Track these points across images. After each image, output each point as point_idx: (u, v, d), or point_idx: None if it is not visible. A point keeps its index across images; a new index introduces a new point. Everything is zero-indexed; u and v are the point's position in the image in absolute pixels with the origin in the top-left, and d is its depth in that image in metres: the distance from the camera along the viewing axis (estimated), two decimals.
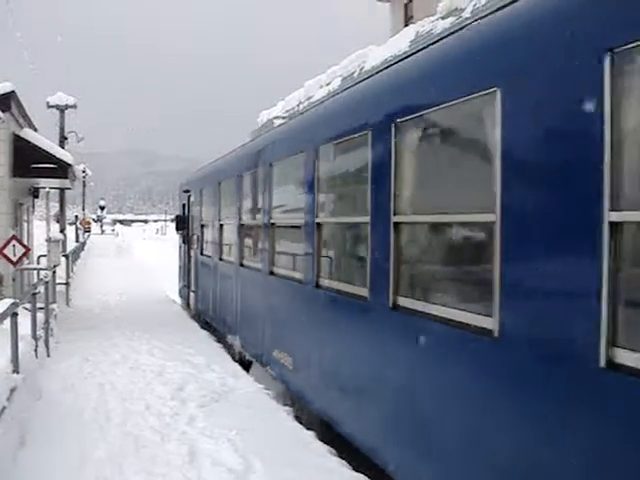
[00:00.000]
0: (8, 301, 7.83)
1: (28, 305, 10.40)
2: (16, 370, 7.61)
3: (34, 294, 10.46)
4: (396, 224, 5.60)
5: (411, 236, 5.73)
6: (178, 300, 20.51)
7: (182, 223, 18.87)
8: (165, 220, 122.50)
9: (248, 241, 11.56)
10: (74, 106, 33.85)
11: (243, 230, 11.62)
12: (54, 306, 14.19)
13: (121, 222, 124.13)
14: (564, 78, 3.61)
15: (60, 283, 17.53)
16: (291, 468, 6.39)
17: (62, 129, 33.69)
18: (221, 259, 13.47)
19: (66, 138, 33.83)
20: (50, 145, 17.36)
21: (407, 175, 5.67)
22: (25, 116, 17.32)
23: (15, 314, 7.80)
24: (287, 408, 8.35)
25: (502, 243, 4.13)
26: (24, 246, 15.10)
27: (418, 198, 5.65)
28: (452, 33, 5.34)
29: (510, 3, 4.60)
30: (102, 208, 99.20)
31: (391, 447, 5.71)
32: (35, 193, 22.06)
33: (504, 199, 4.11)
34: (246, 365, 11.21)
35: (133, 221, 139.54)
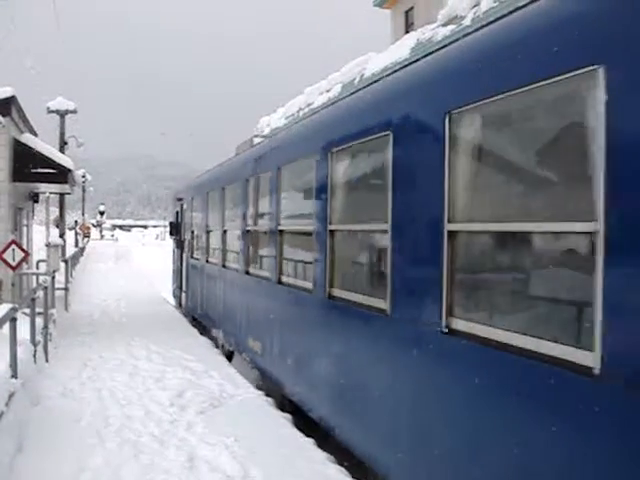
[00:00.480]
0: (7, 306, 7.81)
1: (27, 310, 10.38)
2: (14, 375, 7.59)
3: (33, 299, 10.44)
4: (331, 231, 7.01)
5: (339, 240, 7.05)
6: (172, 301, 21.41)
7: (175, 229, 20.13)
8: (165, 226, 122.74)
9: (230, 245, 12.69)
10: (74, 111, 33.93)
11: (226, 236, 12.88)
12: (53, 311, 14.16)
13: (120, 227, 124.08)
14: (424, 129, 5.12)
15: (59, 288, 17.50)
16: (290, 475, 6.38)
17: (62, 134, 33.75)
18: (207, 261, 14.82)
19: (66, 143, 33.88)
20: (50, 150, 17.36)
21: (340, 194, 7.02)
22: (25, 121, 17.32)
23: (14, 319, 7.78)
24: (286, 415, 8.33)
25: (392, 250, 5.53)
26: (23, 251, 15.09)
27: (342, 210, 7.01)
28: (358, 90, 7.00)
29: (403, 67, 5.93)
30: (102, 213, 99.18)
31: (324, 405, 7.13)
32: (35, 198, 22.03)
33: (394, 214, 5.52)
34: (228, 355, 12.42)
35: (132, 226, 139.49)
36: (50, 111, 33.40)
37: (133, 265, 41.63)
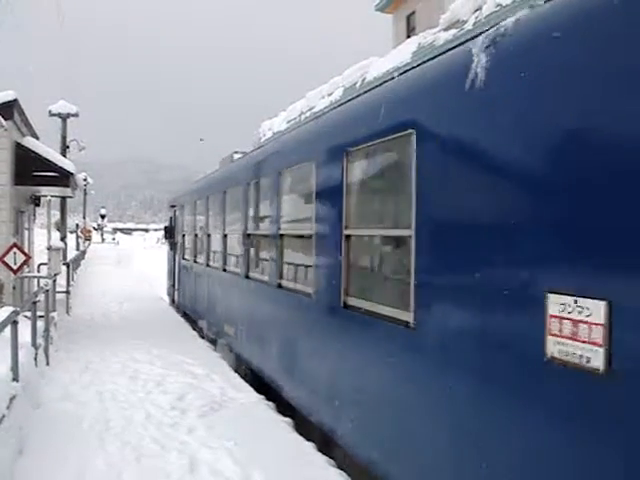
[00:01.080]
0: (9, 309, 7.82)
1: (28, 313, 10.39)
2: (16, 378, 7.60)
3: (34, 302, 10.45)
4: (281, 235, 9.07)
5: (290, 243, 8.96)
6: (167, 299, 23.15)
7: (169, 233, 22.16)
8: None
9: (213, 247, 14.54)
10: (76, 114, 33.95)
11: (210, 239, 14.81)
12: (54, 314, 14.17)
13: (122, 231, 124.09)
14: (336, 160, 6.80)
15: (60, 291, 17.52)
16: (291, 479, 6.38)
17: (64, 137, 33.78)
18: (195, 262, 16.79)
19: (68, 146, 33.92)
20: (52, 153, 17.40)
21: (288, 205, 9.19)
22: (27, 124, 17.36)
23: (15, 322, 7.79)
24: (287, 419, 8.33)
25: (315, 251, 7.50)
26: (25, 254, 15.10)
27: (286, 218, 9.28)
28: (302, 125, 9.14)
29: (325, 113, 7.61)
30: (103, 217, 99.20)
31: (283, 376, 8.81)
32: (36, 201, 22.07)
33: (317, 224, 7.44)
34: (212, 342, 14.13)
35: (134, 230, 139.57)
36: (52, 114, 33.44)
37: (134, 268, 41.66)
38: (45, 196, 23.05)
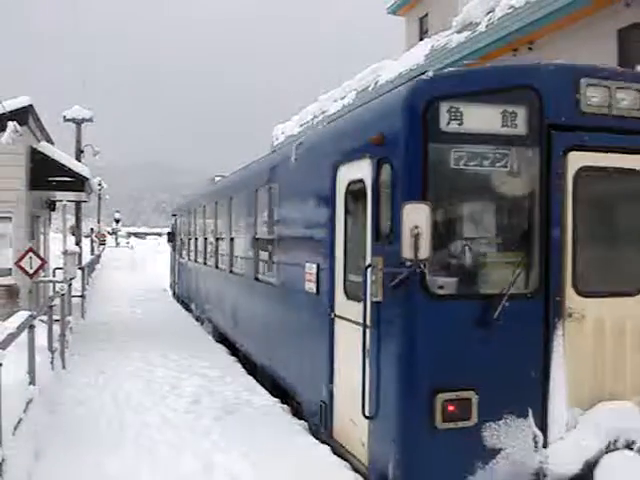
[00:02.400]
0: (25, 313, 7.87)
1: (44, 317, 10.45)
2: (32, 382, 7.64)
3: (50, 306, 10.51)
4: (232, 239, 13.49)
5: (239, 243, 12.88)
6: (169, 290, 27.69)
7: (172, 237, 26.95)
8: None
9: (199, 248, 18.35)
10: (90, 120, 34.12)
11: (197, 241, 18.84)
12: (70, 318, 14.24)
13: (136, 235, 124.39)
14: (271, 188, 10.31)
15: (75, 295, 17.59)
16: None
17: (78, 142, 33.96)
18: (188, 259, 21.09)
19: (82, 151, 34.09)
20: (67, 158, 17.50)
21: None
22: (42, 129, 17.46)
23: (32, 326, 7.84)
24: (301, 422, 8.33)
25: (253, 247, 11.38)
26: (41, 258, 15.19)
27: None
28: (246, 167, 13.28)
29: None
30: (117, 221, 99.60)
31: (231, 329, 13.48)
32: (52, 206, 22.18)
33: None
34: (199, 320, 18.09)
35: (148, 234, 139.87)
36: (66, 120, 33.64)
37: (148, 272, 41.72)
38: (60, 201, 23.21)
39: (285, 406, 9.16)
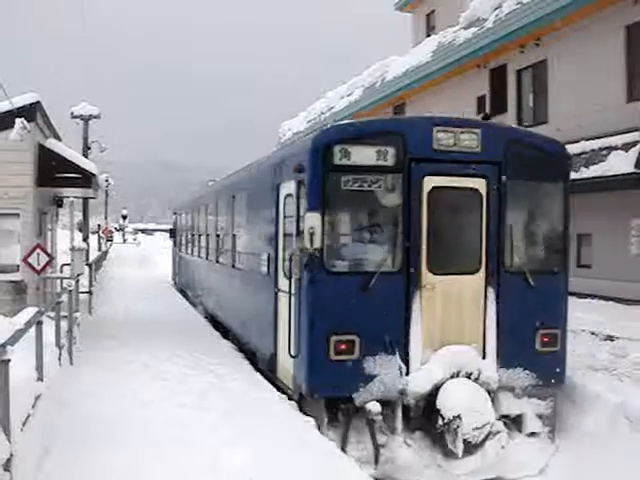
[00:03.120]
0: (33, 309, 7.89)
1: (51, 313, 10.48)
2: (40, 378, 7.66)
3: (58, 303, 10.54)
4: (217, 235, 17.09)
5: (221, 238, 16.35)
6: (171, 282, 30.82)
7: (172, 233, 31.19)
8: None
9: (196, 243, 21.62)
10: (97, 116, 34.16)
11: (195, 238, 22.06)
12: (77, 315, 14.28)
13: (143, 231, 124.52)
14: (229, 202, 14.81)
15: (83, 292, 17.64)
16: None
17: (85, 139, 33.98)
18: (185, 252, 24.92)
19: (89, 148, 34.13)
20: (74, 155, 17.51)
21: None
22: (50, 126, 17.50)
23: (40, 322, 7.86)
24: (309, 419, 8.35)
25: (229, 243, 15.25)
26: (48, 255, 15.24)
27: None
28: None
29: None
30: (124, 217, 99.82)
31: (206, 300, 18.70)
32: (59, 202, 22.22)
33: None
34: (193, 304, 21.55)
35: (155, 230, 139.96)
36: (74, 116, 33.68)
37: (154, 267, 41.84)
38: (67, 197, 23.25)
39: (293, 402, 9.20)
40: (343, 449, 8.46)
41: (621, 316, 15.05)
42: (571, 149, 19.33)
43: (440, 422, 8.56)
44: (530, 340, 9.43)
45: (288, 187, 9.89)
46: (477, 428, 8.47)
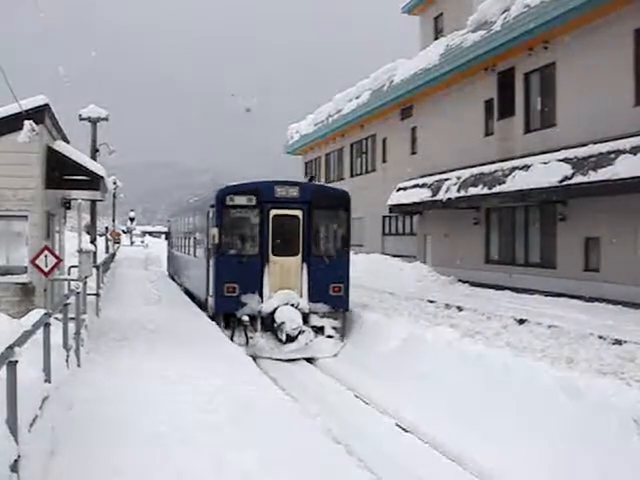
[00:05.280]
0: (41, 311, 7.91)
1: (59, 315, 10.50)
2: (48, 380, 7.69)
3: (66, 304, 10.56)
4: (186, 237, 27.67)
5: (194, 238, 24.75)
6: (165, 272, 38.82)
7: (167, 235, 41.15)
8: None
9: (178, 243, 30.18)
10: (106, 119, 34.26)
11: (178, 239, 30.62)
12: (85, 316, 14.30)
13: (150, 234, 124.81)
14: (204, 214, 20.98)
15: (90, 294, 17.67)
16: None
17: (94, 141, 34.09)
18: (174, 250, 33.50)
19: (97, 150, 34.24)
20: (82, 157, 17.53)
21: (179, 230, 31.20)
22: (58, 128, 17.54)
23: (48, 324, 7.88)
24: (315, 420, 8.34)
25: (195, 239, 24.52)
26: (56, 257, 15.26)
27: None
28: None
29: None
30: (132, 220, 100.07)
31: (185, 283, 27.31)
32: (67, 204, 22.25)
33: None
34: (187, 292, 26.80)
35: (162, 233, 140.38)
36: (82, 119, 33.79)
37: (163, 270, 41.90)
38: (75, 199, 23.29)
39: (298, 404, 9.19)
40: (231, 339, 16.82)
41: (630, 320, 14.99)
42: (579, 152, 19.42)
43: (276, 325, 17.09)
44: (327, 289, 17.91)
45: (210, 213, 19.01)
46: (294, 329, 16.84)
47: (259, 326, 17.29)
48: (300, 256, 17.87)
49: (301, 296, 17.52)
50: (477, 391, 10.86)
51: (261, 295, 17.35)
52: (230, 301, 17.29)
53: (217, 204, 17.78)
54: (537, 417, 9.37)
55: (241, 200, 17.74)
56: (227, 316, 17.51)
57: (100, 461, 6.86)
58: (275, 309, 17.06)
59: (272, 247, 17.66)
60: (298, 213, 17.90)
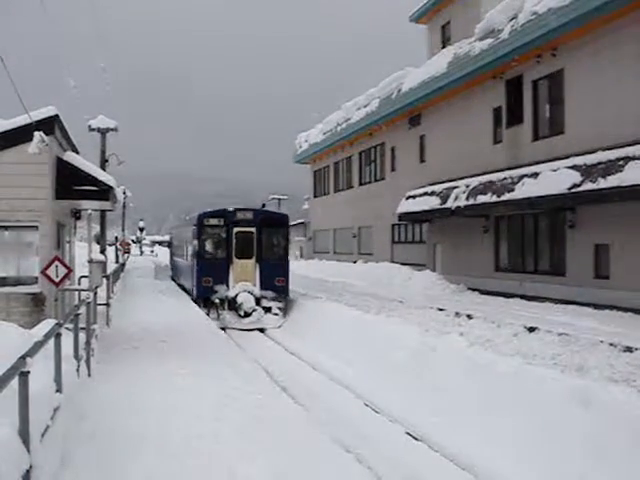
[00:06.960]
0: (52, 322, 7.94)
1: (69, 325, 10.52)
2: (59, 390, 7.71)
3: (76, 315, 10.59)
4: (182, 246, 35.65)
5: (183, 246, 34.53)
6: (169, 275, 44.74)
7: (169, 245, 52.11)
8: None
9: (177, 251, 39.87)
10: (115, 129, 34.45)
11: (177, 247, 40.40)
12: (95, 326, 14.34)
13: (160, 243, 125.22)
14: (191, 231, 29.18)
15: (101, 304, 17.71)
16: None
17: (103, 152, 34.30)
18: (177, 256, 38.95)
19: (107, 160, 34.40)
20: (92, 168, 17.60)
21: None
22: (68, 139, 17.62)
23: (59, 334, 7.91)
24: (324, 431, 8.33)
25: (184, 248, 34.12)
26: (66, 267, 15.31)
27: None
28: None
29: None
30: (141, 229, 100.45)
31: (180, 279, 36.78)
32: (77, 215, 22.35)
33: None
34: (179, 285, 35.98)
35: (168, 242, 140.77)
36: (91, 129, 33.99)
37: (169, 275, 42.06)
38: (85, 210, 23.38)
39: (308, 414, 9.18)
40: (207, 314, 23.68)
41: None
42: (588, 159, 19.38)
43: (237, 305, 24.20)
44: (273, 281, 25.11)
45: (194, 229, 26.46)
46: (249, 307, 24.17)
47: (226, 306, 24.51)
48: (254, 259, 25.65)
49: (255, 286, 25.06)
50: (482, 396, 10.80)
51: (227, 285, 25.05)
52: (207, 289, 25.15)
53: (198, 224, 26.11)
54: (544, 424, 9.33)
55: (214, 221, 25.96)
56: (205, 299, 25.23)
57: (111, 471, 6.87)
58: (237, 294, 24.54)
59: (235, 253, 25.55)
60: (253, 230, 25.77)
